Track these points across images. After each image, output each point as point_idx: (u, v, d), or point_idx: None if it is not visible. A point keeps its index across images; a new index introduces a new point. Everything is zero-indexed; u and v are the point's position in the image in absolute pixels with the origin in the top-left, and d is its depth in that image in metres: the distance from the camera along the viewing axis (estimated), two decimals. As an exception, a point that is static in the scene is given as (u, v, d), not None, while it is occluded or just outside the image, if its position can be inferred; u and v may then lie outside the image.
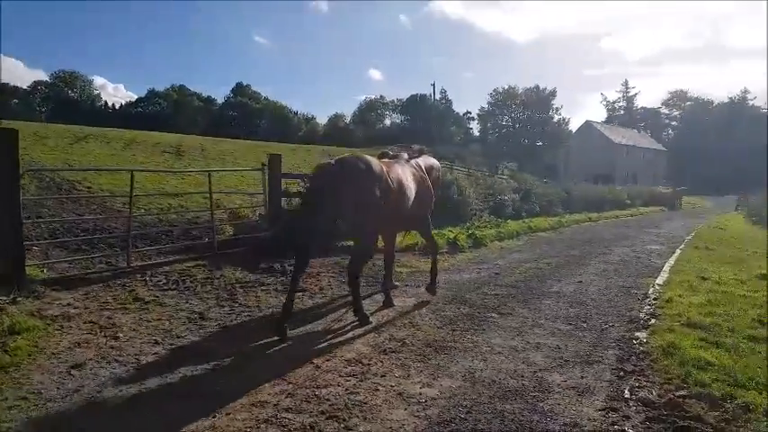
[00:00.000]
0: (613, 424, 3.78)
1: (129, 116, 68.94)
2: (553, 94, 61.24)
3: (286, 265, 8.19)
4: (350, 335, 5.62)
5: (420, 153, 7.72)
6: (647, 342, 5.57)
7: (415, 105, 78.89)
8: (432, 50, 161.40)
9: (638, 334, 5.91)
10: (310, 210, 5.57)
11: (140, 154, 21.28)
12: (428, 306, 6.86)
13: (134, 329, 5.44)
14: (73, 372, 4.33)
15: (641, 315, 6.69)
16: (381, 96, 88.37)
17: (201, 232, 9.92)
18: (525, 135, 61.71)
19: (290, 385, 4.23)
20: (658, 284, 8.59)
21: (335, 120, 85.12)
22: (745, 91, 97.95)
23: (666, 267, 10.29)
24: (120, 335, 5.23)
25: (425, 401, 4.04)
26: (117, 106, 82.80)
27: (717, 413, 3.95)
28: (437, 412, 3.87)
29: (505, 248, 12.44)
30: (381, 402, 3.99)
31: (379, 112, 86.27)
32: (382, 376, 4.51)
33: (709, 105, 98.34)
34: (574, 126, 68.83)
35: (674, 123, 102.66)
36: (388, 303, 6.78)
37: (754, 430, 3.68)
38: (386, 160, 6.80)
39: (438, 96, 75.39)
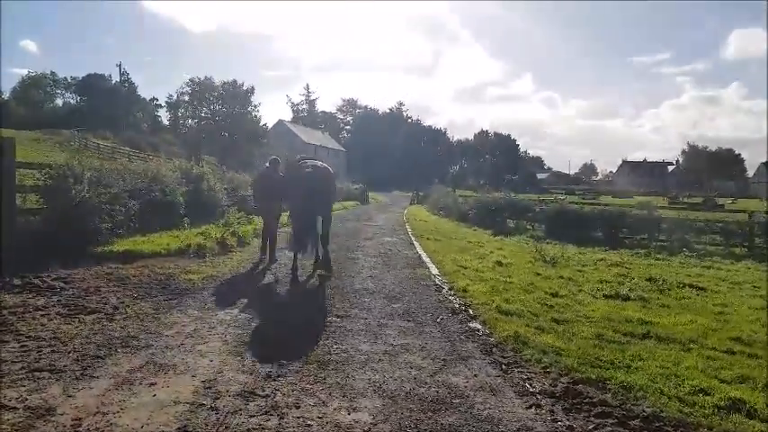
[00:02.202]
0: (554, 421, 3.81)
1: None
2: (251, 90, 61.37)
3: (47, 280, 6.27)
4: (208, 362, 4.52)
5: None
6: (491, 333, 5.86)
7: (92, 86, 69.45)
8: (103, 28, 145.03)
9: (472, 325, 6.19)
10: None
11: None
12: (259, 316, 6.04)
13: None
14: None
15: (456, 306, 7.04)
16: (52, 72, 75.53)
17: None
18: (224, 129, 60.16)
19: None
20: (437, 274, 9.23)
21: (-14, 97, 68.41)
22: (401, 103, 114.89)
23: (425, 258, 11.17)
24: None
25: (370, 430, 3.47)
26: None
27: (609, 395, 4.35)
28: (392, 440, 3.35)
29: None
30: (330, 442, 3.27)
31: (48, 89, 73.40)
32: (297, 407, 3.71)
33: (375, 114, 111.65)
34: (265, 123, 70.20)
35: (348, 127, 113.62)
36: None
37: (651, 406, 4.14)
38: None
39: (119, 78, 68.25)
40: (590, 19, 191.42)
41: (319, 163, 9.05)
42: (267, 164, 10.28)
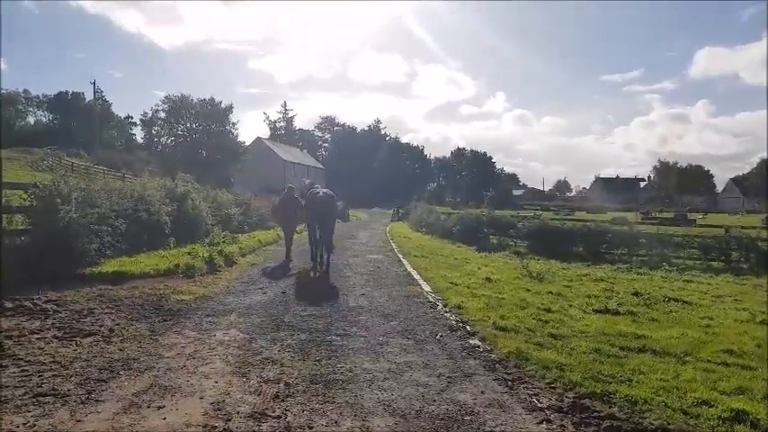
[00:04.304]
0: (566, 437, 3.85)
1: None
2: (229, 108, 60.93)
3: (39, 302, 6.14)
4: (213, 383, 4.46)
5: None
6: (491, 350, 5.89)
7: (66, 104, 68.53)
8: (70, 44, 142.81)
9: (471, 341, 6.20)
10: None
11: None
12: (258, 336, 5.98)
13: None
14: None
15: (453, 323, 7.06)
16: (25, 90, 74.23)
17: None
18: (202, 147, 59.62)
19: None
20: (429, 291, 9.26)
21: (-46, 114, 66.72)
22: (378, 121, 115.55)
23: (415, 275, 11.19)
24: None
25: (387, 450, 3.45)
26: None
27: (616, 409, 4.39)
28: (412, 461, 3.34)
29: (256, 264, 11.80)
30: (350, 463, 3.25)
31: (20, 107, 72.00)
32: (310, 428, 3.69)
33: (353, 131, 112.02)
34: (243, 141, 69.73)
35: (326, 145, 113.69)
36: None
37: (658, 419, 4.19)
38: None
39: (93, 96, 67.37)
40: (562, 39, 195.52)
41: (326, 190, 12.46)
42: (285, 189, 13.72)
